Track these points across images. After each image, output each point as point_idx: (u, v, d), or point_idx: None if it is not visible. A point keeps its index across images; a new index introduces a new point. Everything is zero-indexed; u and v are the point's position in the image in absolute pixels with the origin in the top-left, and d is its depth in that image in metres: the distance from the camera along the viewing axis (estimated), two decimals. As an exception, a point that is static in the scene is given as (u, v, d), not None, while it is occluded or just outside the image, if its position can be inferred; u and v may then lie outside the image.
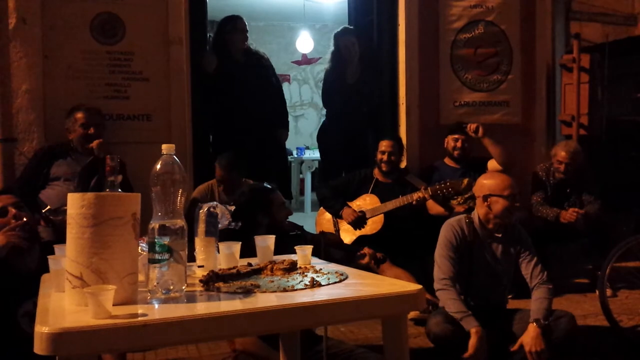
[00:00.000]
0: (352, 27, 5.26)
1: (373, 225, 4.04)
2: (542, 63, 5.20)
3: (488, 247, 2.95)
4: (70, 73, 3.97)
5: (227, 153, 4.10)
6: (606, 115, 5.05)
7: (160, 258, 1.46)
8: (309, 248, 2.01)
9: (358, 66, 4.97)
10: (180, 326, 1.30)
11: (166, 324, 1.29)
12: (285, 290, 1.58)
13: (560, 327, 2.77)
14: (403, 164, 4.61)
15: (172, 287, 1.46)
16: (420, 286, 1.61)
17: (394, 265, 3.76)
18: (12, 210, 2.15)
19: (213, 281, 1.64)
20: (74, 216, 1.40)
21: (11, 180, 3.78)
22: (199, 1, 4.69)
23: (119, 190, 1.50)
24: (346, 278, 1.76)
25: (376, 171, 4.25)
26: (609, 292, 3.72)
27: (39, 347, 1.21)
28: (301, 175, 8.52)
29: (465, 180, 3.86)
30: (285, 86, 10.33)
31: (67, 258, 1.42)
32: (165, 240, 1.46)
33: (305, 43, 9.36)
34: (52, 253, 1.73)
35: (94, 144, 3.57)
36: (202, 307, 1.46)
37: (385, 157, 4.18)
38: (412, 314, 3.26)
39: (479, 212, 2.96)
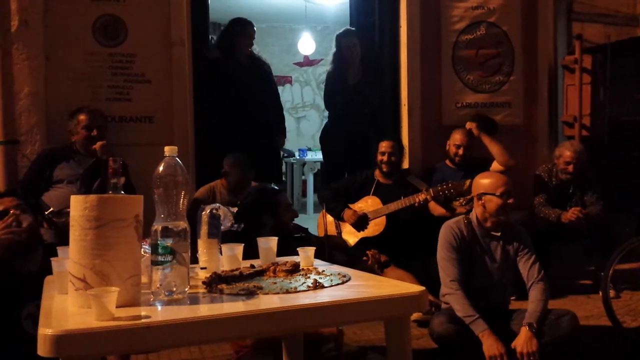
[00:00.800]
0: (353, 28, 5.27)
1: (375, 227, 4.04)
2: (544, 64, 5.20)
3: (487, 247, 2.96)
4: (73, 75, 3.97)
5: (238, 152, 4.10)
6: (608, 116, 5.04)
7: (163, 260, 1.46)
8: (311, 250, 2.01)
9: (360, 67, 4.98)
10: (183, 328, 1.30)
11: (169, 325, 1.29)
12: (287, 292, 1.59)
13: (563, 326, 2.77)
14: (405, 165, 4.61)
15: (175, 289, 1.47)
16: (422, 288, 1.61)
17: (397, 266, 3.76)
18: (15, 213, 2.15)
19: (216, 283, 1.64)
20: (77, 218, 1.40)
21: (14, 182, 3.79)
22: (201, 3, 4.70)
23: (122, 192, 1.50)
24: (349, 280, 1.76)
25: (377, 172, 4.24)
26: (612, 293, 3.71)
27: (42, 349, 1.21)
28: (303, 177, 8.52)
29: (467, 182, 3.85)
30: (287, 88, 10.37)
31: (70, 260, 1.42)
32: (168, 242, 1.46)
33: (307, 45, 9.37)
34: (55, 255, 1.73)
35: (97, 145, 3.57)
36: (205, 309, 1.47)
37: (385, 158, 4.18)
38: (415, 316, 3.25)
39: (476, 211, 2.97)
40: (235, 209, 2.11)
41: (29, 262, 2.11)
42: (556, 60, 5.27)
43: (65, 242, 1.51)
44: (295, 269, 1.84)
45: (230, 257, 1.91)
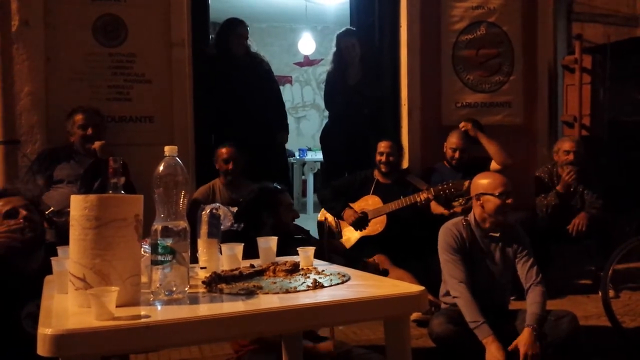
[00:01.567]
0: (354, 28, 5.27)
1: (375, 226, 4.04)
2: (544, 64, 5.20)
3: (486, 248, 2.96)
4: (73, 75, 3.98)
5: (226, 143, 4.12)
6: (608, 116, 5.05)
7: (163, 259, 1.46)
8: (311, 249, 2.01)
9: (359, 67, 4.98)
10: (183, 328, 1.30)
11: (169, 325, 1.29)
12: (287, 291, 1.59)
13: (562, 327, 2.78)
14: (405, 165, 4.61)
15: (174, 289, 1.47)
16: (422, 287, 1.61)
17: (397, 266, 3.76)
18: (23, 212, 2.15)
19: (215, 282, 1.65)
20: (77, 218, 1.40)
21: (14, 182, 3.79)
22: (201, 3, 4.70)
23: (122, 192, 1.50)
24: (348, 279, 1.76)
25: (376, 172, 4.25)
26: (611, 293, 3.72)
27: (42, 349, 1.21)
28: (303, 177, 8.52)
29: (467, 182, 3.84)
30: (287, 88, 10.36)
31: (70, 260, 1.42)
32: (168, 242, 1.46)
33: (307, 44, 9.38)
34: (55, 254, 1.73)
35: (96, 145, 3.57)
36: (205, 309, 1.47)
37: (383, 158, 4.18)
38: (415, 315, 3.26)
39: (475, 211, 2.97)
40: (235, 209, 2.10)
41: (32, 262, 2.12)
42: (556, 60, 5.27)
43: (65, 241, 1.51)
44: (295, 269, 1.84)
45: (230, 256, 1.91)
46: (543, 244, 3.94)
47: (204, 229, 1.94)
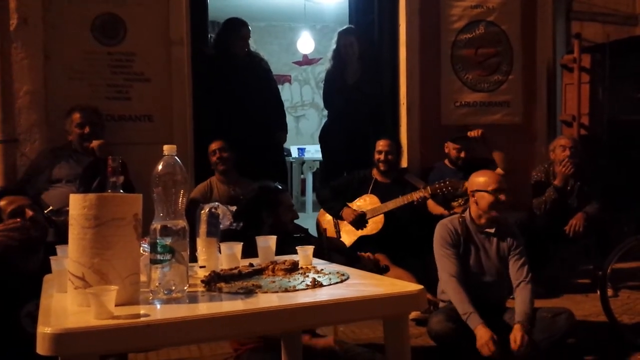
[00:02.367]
0: (353, 26, 5.26)
1: (374, 226, 4.04)
2: (542, 63, 5.20)
3: (481, 244, 2.99)
4: (72, 74, 3.97)
5: (213, 141, 4.16)
6: (607, 116, 5.05)
7: (162, 259, 1.46)
8: (310, 248, 2.01)
9: (358, 66, 4.97)
10: (182, 326, 1.30)
11: (168, 324, 1.30)
12: (286, 290, 1.59)
13: (559, 324, 2.80)
14: (404, 164, 4.60)
15: (174, 288, 1.47)
16: (421, 286, 1.61)
17: (396, 265, 3.77)
18: (30, 212, 2.14)
19: (215, 281, 1.65)
20: (76, 217, 1.40)
21: (13, 181, 3.79)
22: (200, 2, 4.70)
23: (121, 191, 1.50)
24: (347, 278, 1.76)
25: (375, 171, 4.24)
26: (610, 292, 3.72)
27: (41, 348, 1.21)
28: (302, 176, 8.52)
29: (466, 183, 3.85)
30: (286, 87, 10.36)
31: (69, 259, 1.42)
32: (167, 241, 1.46)
33: (306, 43, 9.36)
34: (55, 254, 1.73)
35: (94, 144, 3.57)
36: (204, 308, 1.47)
37: (382, 157, 4.18)
38: (414, 314, 3.26)
39: (471, 208, 3.03)
40: (234, 208, 2.11)
41: (32, 261, 2.11)
42: (555, 59, 5.27)
43: (64, 240, 1.51)
44: (294, 268, 1.84)
45: (229, 255, 1.91)
46: (541, 243, 3.95)
47: (203, 228, 1.94)
